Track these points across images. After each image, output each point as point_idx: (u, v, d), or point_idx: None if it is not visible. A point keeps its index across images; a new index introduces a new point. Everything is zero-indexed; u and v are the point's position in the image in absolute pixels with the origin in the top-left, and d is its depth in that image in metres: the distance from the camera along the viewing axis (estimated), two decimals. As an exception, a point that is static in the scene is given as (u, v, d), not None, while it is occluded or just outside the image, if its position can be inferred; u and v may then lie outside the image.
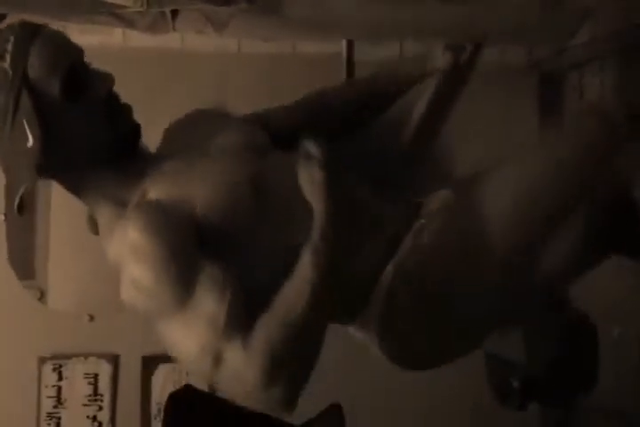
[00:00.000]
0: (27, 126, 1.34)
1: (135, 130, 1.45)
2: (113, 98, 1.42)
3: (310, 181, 1.31)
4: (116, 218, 1.38)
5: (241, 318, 1.24)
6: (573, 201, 1.43)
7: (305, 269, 1.28)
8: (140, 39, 2.72)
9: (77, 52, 1.40)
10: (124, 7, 2.35)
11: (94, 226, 1.47)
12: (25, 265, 2.99)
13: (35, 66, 1.33)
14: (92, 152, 1.40)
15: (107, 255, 1.40)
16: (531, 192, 1.42)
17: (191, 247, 1.29)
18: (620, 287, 2.29)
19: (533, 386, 1.89)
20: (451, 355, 1.48)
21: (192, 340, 1.26)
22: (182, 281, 1.26)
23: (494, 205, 1.42)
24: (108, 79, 1.40)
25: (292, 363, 1.25)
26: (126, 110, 1.44)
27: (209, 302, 1.24)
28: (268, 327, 1.24)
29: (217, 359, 1.23)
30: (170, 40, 2.70)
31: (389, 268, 1.41)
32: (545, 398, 1.91)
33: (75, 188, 1.45)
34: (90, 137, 1.39)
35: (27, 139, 1.34)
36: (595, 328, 1.83)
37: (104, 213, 1.42)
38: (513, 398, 1.91)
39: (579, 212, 1.44)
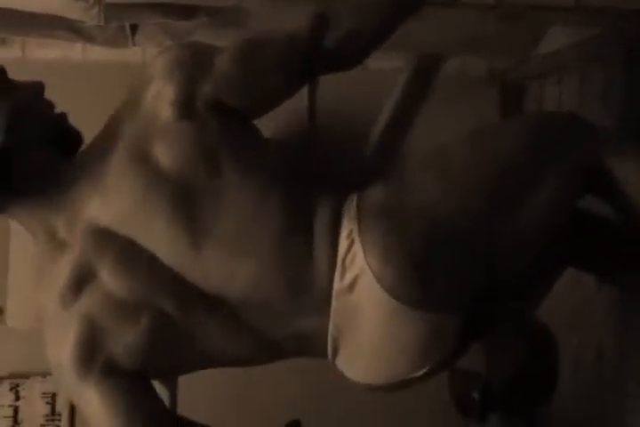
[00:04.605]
0: None
1: (70, 135, 1.49)
2: (45, 104, 1.47)
3: None
4: (45, 261, 1.40)
5: None
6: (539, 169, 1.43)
7: None
8: (100, 53, 2.70)
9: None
10: (82, 22, 2.34)
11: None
12: (-18, 283, 2.96)
13: None
14: (22, 167, 1.41)
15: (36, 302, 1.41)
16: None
17: None
18: (577, 298, 2.30)
19: (493, 398, 1.89)
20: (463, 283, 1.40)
21: None
22: None
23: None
24: (35, 85, 1.47)
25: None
26: (61, 118, 1.48)
27: None
28: None
29: None
30: (130, 54, 2.68)
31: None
32: (505, 409, 1.91)
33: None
34: (20, 147, 1.40)
35: None
36: (554, 339, 1.83)
37: (39, 245, 1.42)
38: (473, 410, 1.91)
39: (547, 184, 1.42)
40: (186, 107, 1.40)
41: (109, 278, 1.37)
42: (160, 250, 1.38)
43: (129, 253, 1.38)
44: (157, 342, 1.38)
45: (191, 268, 1.37)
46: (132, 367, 1.39)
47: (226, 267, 1.37)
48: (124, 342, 1.37)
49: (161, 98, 1.40)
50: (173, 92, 1.40)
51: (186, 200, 1.37)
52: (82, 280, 1.38)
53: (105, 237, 1.38)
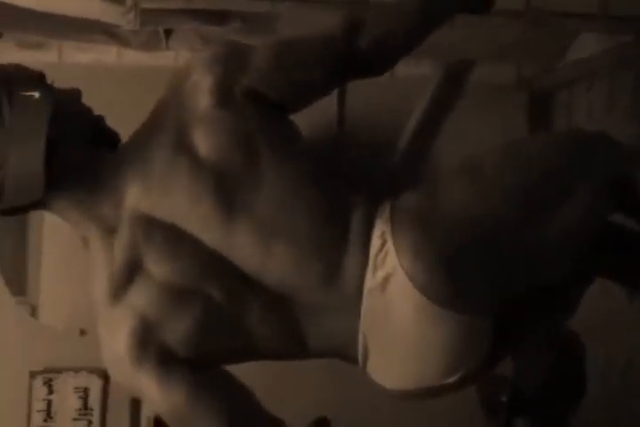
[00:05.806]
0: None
1: (108, 135, 1.52)
2: (82, 107, 1.50)
3: None
4: (97, 252, 1.44)
5: None
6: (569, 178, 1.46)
7: None
8: (134, 57, 2.75)
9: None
10: (118, 26, 2.38)
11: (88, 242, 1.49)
12: (17, 281, 3.00)
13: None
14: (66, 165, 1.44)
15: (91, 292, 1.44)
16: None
17: None
18: (606, 308, 2.30)
19: (521, 402, 1.89)
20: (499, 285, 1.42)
21: None
22: None
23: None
24: (73, 91, 1.50)
25: None
26: (99, 119, 1.52)
27: None
28: None
29: None
30: (164, 58, 2.73)
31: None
32: (532, 414, 1.91)
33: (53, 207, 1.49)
34: (62, 142, 1.44)
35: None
36: (583, 347, 1.84)
37: (90, 239, 1.46)
38: (500, 414, 1.91)
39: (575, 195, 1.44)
40: (224, 95, 1.44)
41: (157, 264, 1.40)
42: (203, 234, 1.42)
43: (174, 237, 1.42)
44: (208, 328, 1.41)
45: (232, 251, 1.42)
46: (185, 355, 1.40)
47: (262, 253, 1.41)
48: (177, 328, 1.39)
49: (200, 87, 1.45)
50: (212, 81, 1.45)
51: (226, 186, 1.42)
52: (132, 268, 1.40)
53: (150, 223, 1.42)
